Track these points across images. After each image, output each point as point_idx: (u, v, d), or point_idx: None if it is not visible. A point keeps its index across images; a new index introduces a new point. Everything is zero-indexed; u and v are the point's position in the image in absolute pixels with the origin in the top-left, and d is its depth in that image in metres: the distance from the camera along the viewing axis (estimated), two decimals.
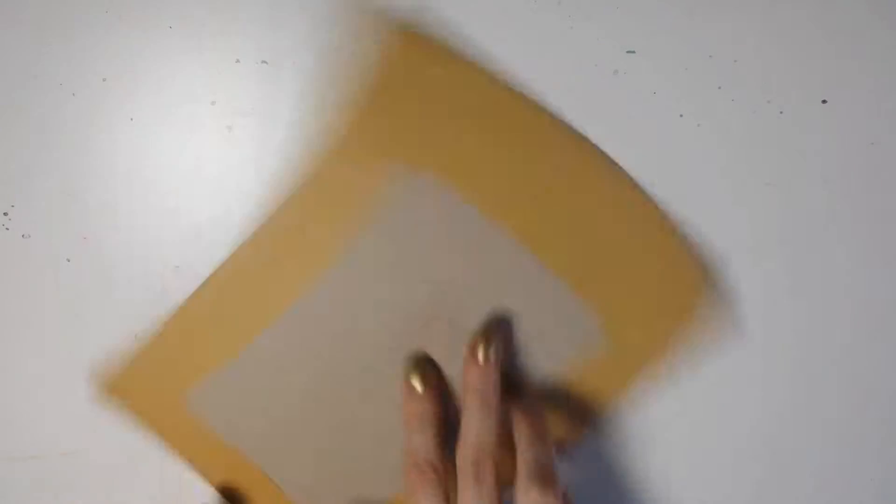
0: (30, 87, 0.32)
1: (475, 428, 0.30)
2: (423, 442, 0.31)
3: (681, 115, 0.33)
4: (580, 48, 0.32)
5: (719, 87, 0.32)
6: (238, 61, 0.32)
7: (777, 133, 0.33)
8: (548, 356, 0.34)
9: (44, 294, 0.35)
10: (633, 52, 0.32)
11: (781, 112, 0.33)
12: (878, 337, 0.37)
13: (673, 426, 0.36)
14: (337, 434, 0.35)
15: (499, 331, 0.33)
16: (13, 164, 0.33)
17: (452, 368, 0.34)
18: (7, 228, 0.34)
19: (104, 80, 0.32)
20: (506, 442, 0.31)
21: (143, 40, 0.31)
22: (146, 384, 0.35)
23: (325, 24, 0.31)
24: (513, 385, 0.34)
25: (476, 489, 0.29)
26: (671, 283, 0.34)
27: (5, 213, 0.34)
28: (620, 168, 0.32)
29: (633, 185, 0.33)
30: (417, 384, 0.33)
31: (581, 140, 0.32)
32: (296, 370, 0.34)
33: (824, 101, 0.33)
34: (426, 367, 0.33)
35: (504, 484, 0.30)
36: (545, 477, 0.29)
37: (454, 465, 0.30)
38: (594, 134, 0.33)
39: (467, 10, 0.31)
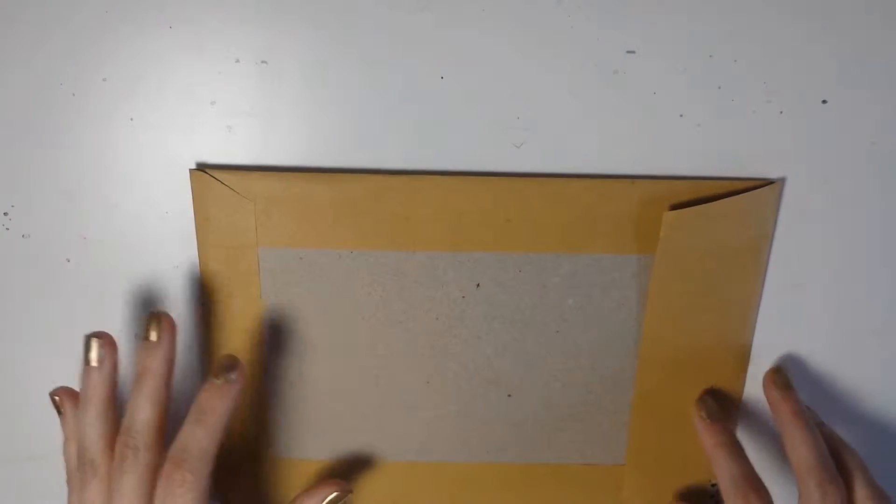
0: (30, 87, 0.32)
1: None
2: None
3: (681, 115, 0.33)
4: (580, 48, 0.32)
5: (719, 87, 0.32)
6: (238, 61, 0.32)
7: (777, 133, 0.33)
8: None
9: (44, 294, 0.35)
10: (633, 52, 0.32)
11: (781, 112, 0.33)
12: (872, 342, 0.37)
13: None
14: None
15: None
16: (13, 164, 0.33)
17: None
18: (7, 228, 0.34)
19: (104, 80, 0.32)
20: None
21: (143, 40, 0.31)
22: None
23: (325, 24, 0.31)
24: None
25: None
26: None
27: (5, 213, 0.34)
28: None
29: None
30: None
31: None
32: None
33: (824, 101, 0.33)
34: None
35: None
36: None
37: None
38: (594, 134, 0.33)
39: (467, 10, 0.31)
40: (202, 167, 0.33)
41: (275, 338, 0.35)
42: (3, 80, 0.32)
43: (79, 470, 0.31)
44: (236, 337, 0.35)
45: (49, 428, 0.36)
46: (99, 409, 0.31)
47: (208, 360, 0.35)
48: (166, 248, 0.34)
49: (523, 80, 0.32)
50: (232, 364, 0.31)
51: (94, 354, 0.31)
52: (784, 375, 0.35)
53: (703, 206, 0.32)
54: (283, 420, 0.36)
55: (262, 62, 0.32)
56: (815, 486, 0.31)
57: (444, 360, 0.35)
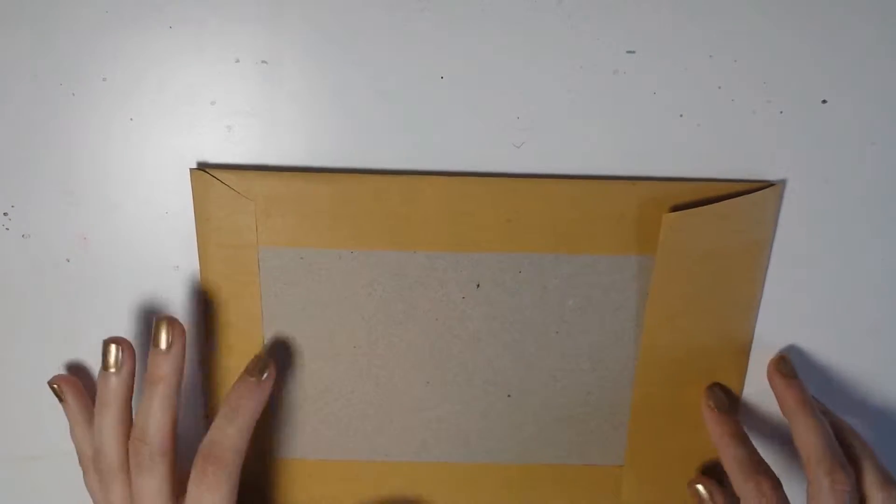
0: (30, 87, 0.32)
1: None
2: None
3: (681, 115, 0.33)
4: (580, 48, 0.32)
5: (719, 87, 0.32)
6: (238, 61, 0.32)
7: (777, 133, 0.33)
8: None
9: (44, 294, 0.35)
10: (633, 52, 0.32)
11: (781, 112, 0.33)
12: (872, 343, 0.37)
13: None
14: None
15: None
16: (13, 164, 0.33)
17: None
18: (7, 228, 0.34)
19: (104, 79, 0.32)
20: None
21: (143, 40, 0.31)
22: None
23: (325, 24, 0.31)
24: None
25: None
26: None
27: (5, 214, 0.34)
28: None
29: None
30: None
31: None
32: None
33: (824, 101, 0.33)
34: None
35: None
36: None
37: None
38: (594, 134, 0.33)
39: (467, 10, 0.31)
40: (203, 167, 0.33)
41: (275, 338, 0.35)
42: (3, 80, 0.32)
43: (97, 472, 0.32)
44: (236, 337, 0.35)
45: (49, 428, 0.36)
46: (117, 413, 0.32)
47: (208, 360, 0.35)
48: (166, 248, 0.34)
49: (523, 80, 0.32)
50: (265, 363, 0.32)
51: (112, 359, 0.32)
52: (789, 364, 0.35)
53: (703, 208, 0.32)
54: (282, 420, 0.36)
55: (262, 62, 0.32)
56: (823, 474, 0.31)
57: (444, 360, 0.35)
